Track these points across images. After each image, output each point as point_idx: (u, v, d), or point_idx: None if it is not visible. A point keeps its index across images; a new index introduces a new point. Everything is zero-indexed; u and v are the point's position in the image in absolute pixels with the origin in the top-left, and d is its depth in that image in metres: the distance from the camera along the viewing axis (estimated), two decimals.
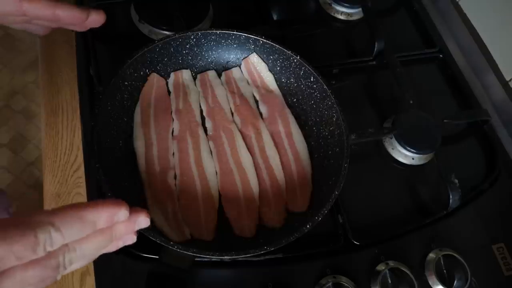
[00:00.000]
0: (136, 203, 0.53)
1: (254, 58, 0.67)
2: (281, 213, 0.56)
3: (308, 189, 0.58)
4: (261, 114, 0.64)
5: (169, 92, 0.65)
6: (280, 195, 0.57)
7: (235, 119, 0.63)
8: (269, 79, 0.67)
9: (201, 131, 0.61)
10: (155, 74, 0.64)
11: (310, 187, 0.58)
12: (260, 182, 0.58)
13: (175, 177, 0.57)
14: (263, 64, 0.67)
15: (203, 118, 0.63)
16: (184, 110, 0.63)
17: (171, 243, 0.47)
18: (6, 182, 1.57)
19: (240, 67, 0.68)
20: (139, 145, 0.58)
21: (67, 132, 0.64)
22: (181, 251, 0.47)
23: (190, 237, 0.53)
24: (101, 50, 0.70)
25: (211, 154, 0.60)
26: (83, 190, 0.60)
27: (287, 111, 0.64)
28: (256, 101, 0.66)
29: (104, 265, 0.54)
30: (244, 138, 0.61)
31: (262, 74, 0.67)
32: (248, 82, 0.67)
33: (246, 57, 0.67)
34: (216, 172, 0.58)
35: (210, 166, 0.58)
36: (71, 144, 0.63)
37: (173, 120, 0.62)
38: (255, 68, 0.67)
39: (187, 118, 0.62)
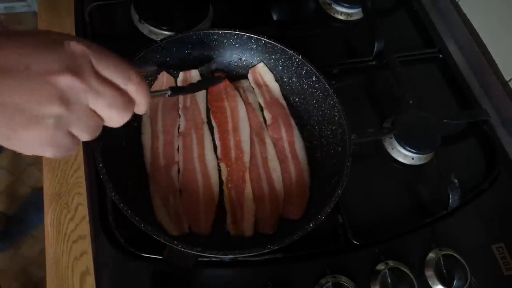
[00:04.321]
0: (138, 202, 0.54)
1: (261, 68, 0.67)
2: (275, 221, 0.56)
3: (305, 199, 0.58)
4: (265, 120, 0.65)
5: None
6: (277, 205, 0.58)
7: None
8: (275, 89, 0.67)
9: (205, 128, 0.63)
10: (165, 72, 0.65)
11: (307, 197, 0.59)
12: (260, 191, 0.58)
13: (178, 171, 0.58)
14: (270, 73, 0.67)
15: (208, 116, 0.64)
16: (191, 107, 0.64)
17: (175, 242, 0.47)
18: (6, 182, 1.57)
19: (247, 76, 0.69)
20: (146, 138, 0.60)
21: None
22: (185, 250, 0.47)
23: (188, 231, 0.54)
24: None
25: (214, 151, 0.61)
26: (83, 190, 0.60)
27: (292, 120, 0.65)
28: (261, 108, 0.66)
29: (104, 265, 0.54)
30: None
31: (268, 83, 0.67)
32: (254, 90, 0.68)
33: (254, 66, 0.68)
34: (219, 167, 0.59)
35: (213, 162, 0.59)
36: None
37: (180, 116, 0.63)
38: (262, 77, 0.68)
39: (193, 116, 0.63)
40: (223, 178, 0.59)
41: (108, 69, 0.35)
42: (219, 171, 0.59)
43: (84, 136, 0.35)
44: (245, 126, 0.63)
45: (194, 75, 0.67)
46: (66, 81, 0.32)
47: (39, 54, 0.32)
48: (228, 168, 0.59)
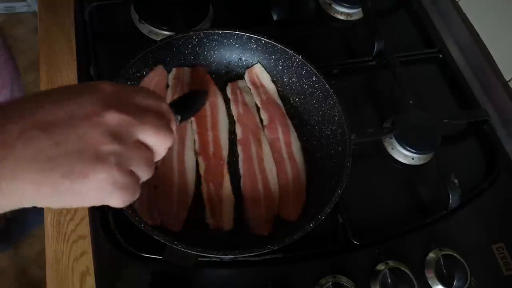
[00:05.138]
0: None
1: (258, 68, 0.67)
2: (270, 221, 0.56)
3: (301, 200, 0.58)
4: (261, 121, 0.65)
5: (167, 86, 0.65)
6: (272, 205, 0.57)
7: (236, 129, 0.64)
8: (272, 90, 0.67)
9: (188, 128, 0.62)
10: (162, 66, 0.64)
11: (304, 198, 0.58)
12: (255, 192, 0.58)
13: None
14: (266, 74, 0.67)
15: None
16: None
17: (175, 242, 0.47)
18: None
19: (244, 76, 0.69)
20: None
21: None
22: (185, 250, 0.47)
23: (160, 223, 0.53)
24: (101, 50, 0.70)
25: (194, 151, 0.60)
26: None
27: (288, 121, 0.65)
28: (258, 109, 0.66)
29: (104, 265, 0.54)
30: (243, 147, 0.62)
31: (264, 84, 0.67)
32: (250, 90, 0.67)
33: (251, 66, 0.68)
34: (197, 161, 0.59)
35: (191, 158, 0.59)
36: None
37: None
38: (258, 77, 0.68)
39: None
40: (201, 172, 0.58)
41: (143, 97, 0.35)
42: (198, 165, 0.59)
43: (144, 172, 0.35)
44: (224, 123, 0.63)
45: (187, 72, 0.66)
46: (112, 117, 0.32)
47: (74, 101, 0.32)
48: (205, 162, 0.59)
